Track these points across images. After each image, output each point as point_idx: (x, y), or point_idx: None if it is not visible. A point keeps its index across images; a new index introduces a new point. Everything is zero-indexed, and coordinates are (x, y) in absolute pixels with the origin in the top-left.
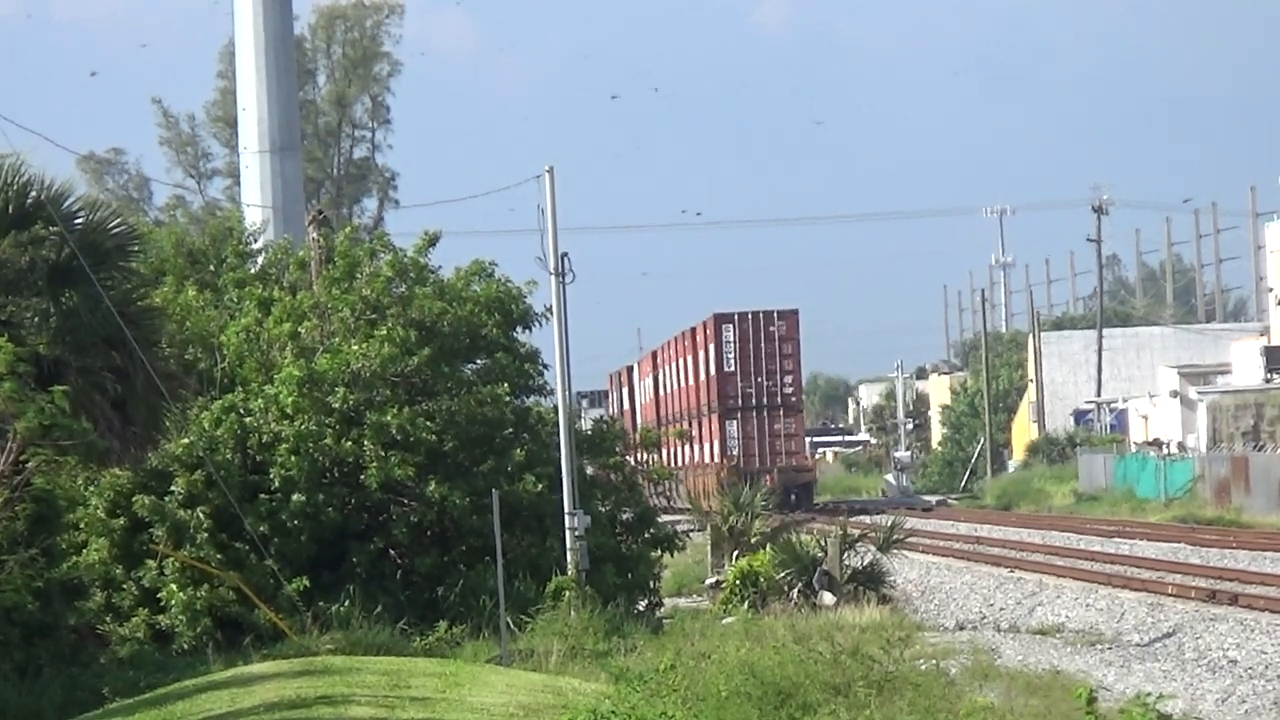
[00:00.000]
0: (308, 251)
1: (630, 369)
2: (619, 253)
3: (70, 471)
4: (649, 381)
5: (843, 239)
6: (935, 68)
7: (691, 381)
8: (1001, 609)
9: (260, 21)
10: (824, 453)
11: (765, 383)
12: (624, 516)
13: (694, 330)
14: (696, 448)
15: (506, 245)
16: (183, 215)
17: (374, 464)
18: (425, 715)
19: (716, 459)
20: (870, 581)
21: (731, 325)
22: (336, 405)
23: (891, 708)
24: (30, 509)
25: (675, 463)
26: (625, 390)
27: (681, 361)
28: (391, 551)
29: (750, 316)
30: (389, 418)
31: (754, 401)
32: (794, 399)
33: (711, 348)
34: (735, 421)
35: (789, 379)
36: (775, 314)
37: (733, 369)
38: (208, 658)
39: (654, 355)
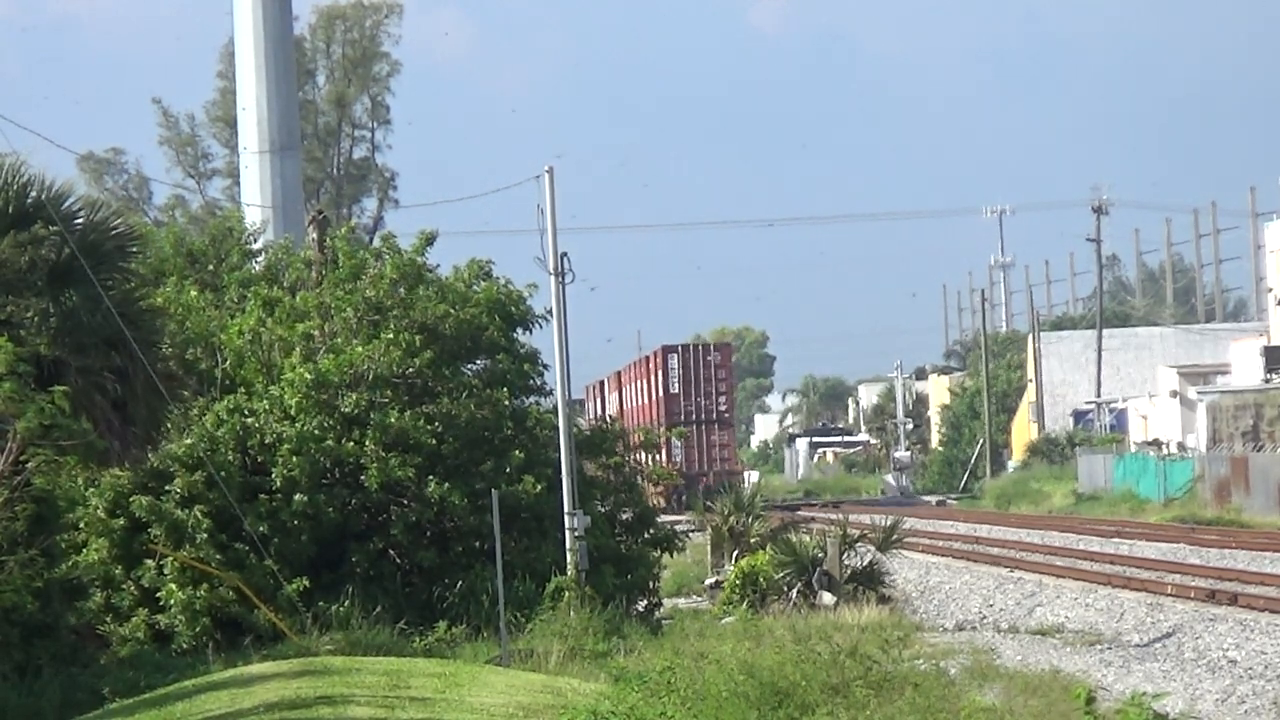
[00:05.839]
0: (308, 251)
1: (602, 383)
2: (619, 253)
3: (70, 471)
4: (615, 396)
5: (842, 239)
6: (935, 68)
7: (647, 399)
8: (1001, 609)
9: (260, 21)
10: (824, 453)
11: (703, 402)
12: (623, 517)
13: (647, 358)
14: (647, 455)
15: (506, 245)
16: (182, 215)
17: (374, 465)
18: (425, 715)
19: (664, 465)
20: (870, 581)
21: (676, 355)
22: (347, 410)
23: (890, 708)
24: (30, 509)
25: None
26: (599, 401)
27: (640, 382)
28: (391, 552)
29: (691, 348)
30: (390, 419)
31: (694, 418)
32: (727, 415)
33: (660, 373)
34: None
35: (723, 399)
36: (711, 346)
37: (677, 391)
38: (207, 658)
39: (619, 375)
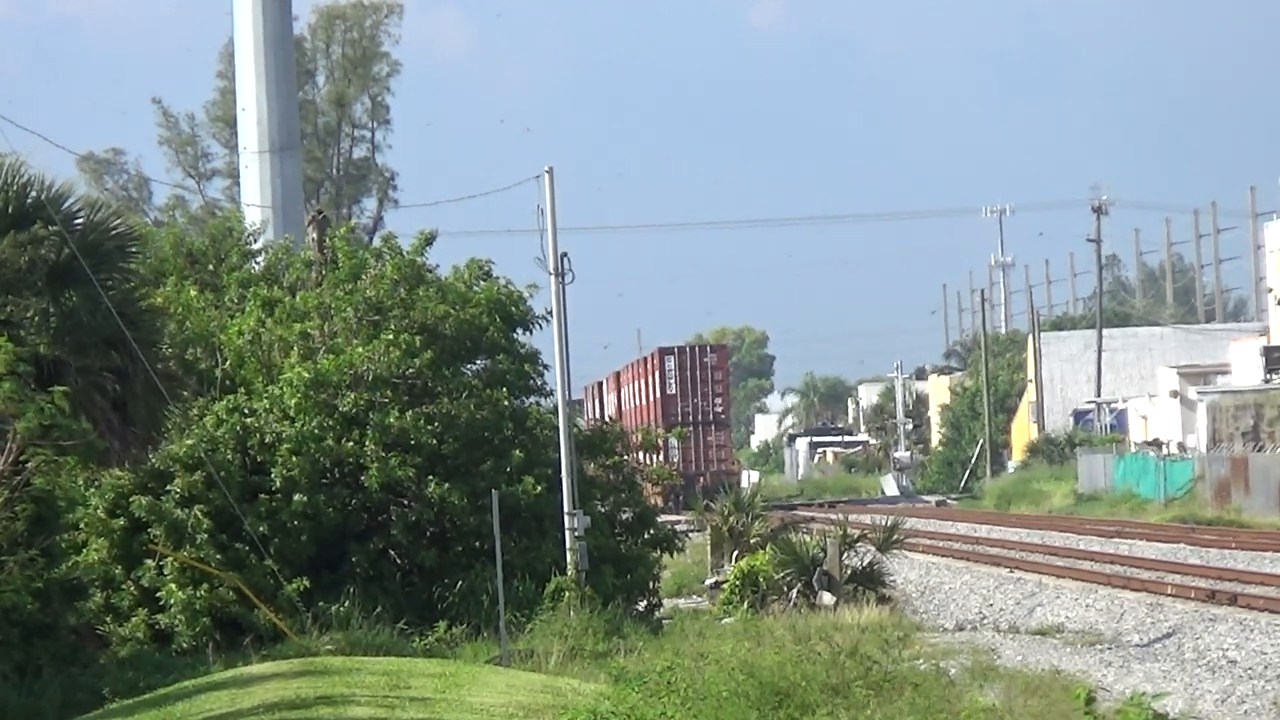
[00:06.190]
0: (308, 251)
1: (601, 384)
2: (619, 253)
3: (70, 471)
4: (614, 397)
5: (842, 239)
6: (935, 68)
7: (644, 400)
8: (1001, 609)
9: (260, 21)
10: (824, 453)
11: (700, 403)
12: (623, 517)
13: (645, 359)
14: (645, 455)
15: (506, 245)
16: (182, 215)
17: (375, 465)
18: (425, 715)
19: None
20: (870, 582)
21: (673, 356)
22: (345, 409)
23: (890, 708)
24: (30, 509)
25: None
26: (597, 401)
27: (637, 383)
28: (391, 552)
29: (687, 350)
30: (390, 419)
31: (691, 418)
32: (723, 416)
33: (657, 375)
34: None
35: (719, 400)
36: (708, 348)
37: (674, 392)
38: (207, 658)
39: (617, 375)
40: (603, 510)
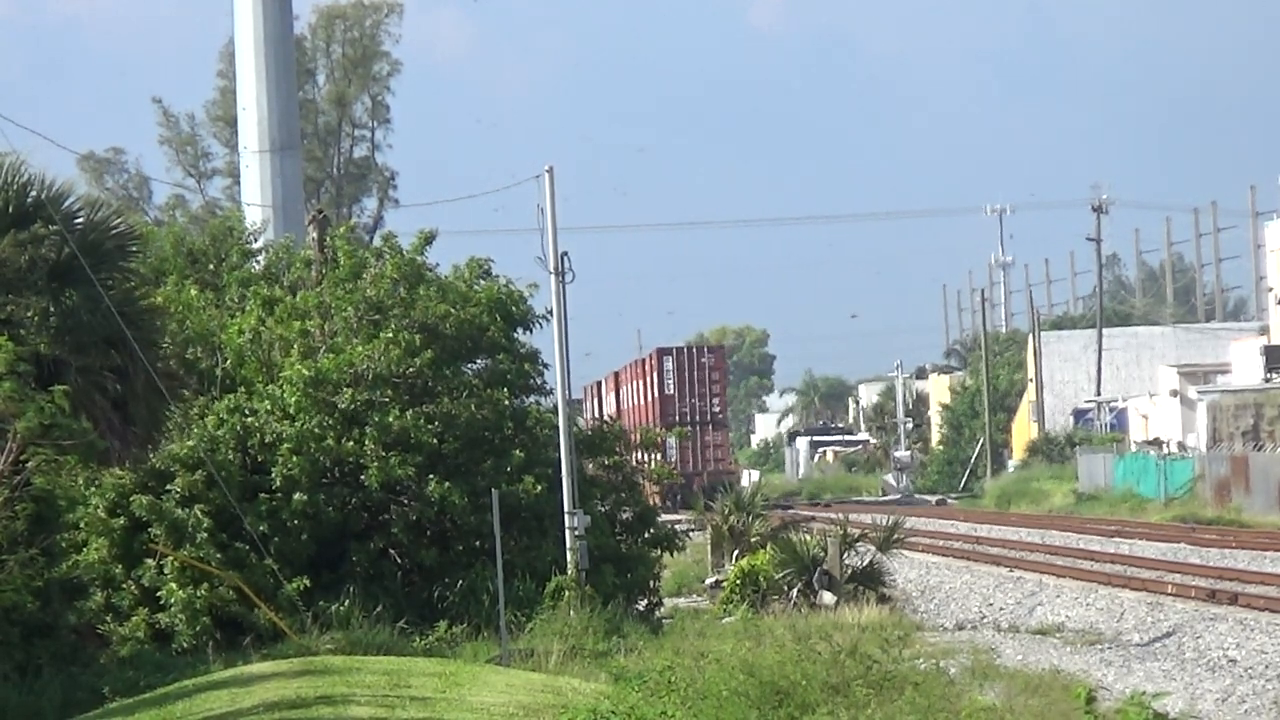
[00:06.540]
0: (308, 250)
1: (600, 384)
2: (619, 253)
3: (70, 471)
4: (613, 397)
5: (842, 239)
6: (935, 68)
7: (643, 400)
8: (1001, 609)
9: (260, 21)
10: (824, 452)
11: (698, 404)
12: (623, 516)
13: (643, 360)
14: (644, 454)
15: (506, 245)
16: (182, 215)
17: (375, 464)
18: (425, 715)
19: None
20: (870, 581)
21: (671, 357)
22: (343, 406)
23: (891, 707)
24: (30, 509)
25: None
26: (596, 401)
27: (636, 383)
28: (391, 551)
29: (686, 350)
30: (391, 419)
31: (689, 418)
32: (720, 417)
33: (655, 375)
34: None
35: (716, 401)
36: (706, 348)
37: (672, 392)
38: (207, 657)
39: (616, 375)
40: (603, 510)
